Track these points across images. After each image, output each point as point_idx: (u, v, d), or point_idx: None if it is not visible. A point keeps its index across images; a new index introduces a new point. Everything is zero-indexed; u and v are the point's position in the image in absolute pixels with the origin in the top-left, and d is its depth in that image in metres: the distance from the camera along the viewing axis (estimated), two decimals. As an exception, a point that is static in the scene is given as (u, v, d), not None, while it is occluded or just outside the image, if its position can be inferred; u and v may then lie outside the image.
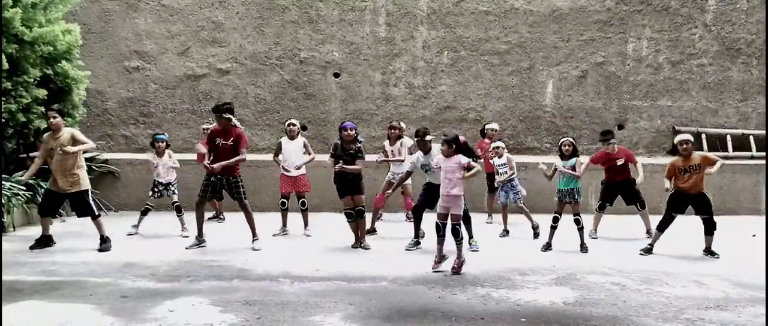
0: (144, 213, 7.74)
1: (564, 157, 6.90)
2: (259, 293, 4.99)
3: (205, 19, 10.66)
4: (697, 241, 6.77)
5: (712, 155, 6.68)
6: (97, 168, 9.58)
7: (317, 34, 10.74)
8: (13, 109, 7.96)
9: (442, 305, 4.70)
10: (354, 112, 10.77)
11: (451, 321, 4.32)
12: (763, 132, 10.65)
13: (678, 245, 6.93)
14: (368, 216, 7.87)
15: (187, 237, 7.38)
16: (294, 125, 7.80)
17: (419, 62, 10.83)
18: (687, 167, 6.54)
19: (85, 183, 6.68)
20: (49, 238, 6.75)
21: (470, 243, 6.75)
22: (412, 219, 7.84)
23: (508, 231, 7.84)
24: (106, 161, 9.85)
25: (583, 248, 6.78)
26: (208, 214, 8.90)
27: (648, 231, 7.68)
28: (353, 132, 6.75)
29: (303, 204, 7.72)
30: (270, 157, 8.03)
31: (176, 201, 7.81)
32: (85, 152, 6.86)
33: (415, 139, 6.97)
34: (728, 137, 10.72)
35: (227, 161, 6.58)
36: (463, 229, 5.87)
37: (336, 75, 10.82)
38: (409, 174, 7.04)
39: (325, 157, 7.28)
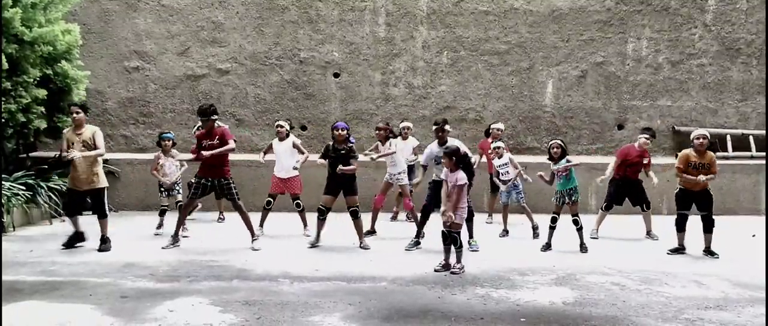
0: (161, 213, 7.79)
1: (553, 159, 6.86)
2: (259, 293, 4.99)
3: (204, 19, 10.66)
4: (697, 241, 6.77)
5: (716, 166, 6.63)
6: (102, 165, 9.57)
7: (317, 34, 10.74)
8: (13, 109, 7.96)
9: (441, 305, 4.70)
10: (354, 112, 10.77)
11: (451, 321, 4.32)
12: (763, 132, 10.66)
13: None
14: (368, 217, 7.91)
15: (188, 237, 7.39)
16: (281, 126, 7.75)
17: (419, 62, 10.84)
18: (699, 164, 6.55)
19: (103, 181, 6.75)
20: (81, 235, 6.80)
21: (470, 243, 6.75)
22: (413, 219, 7.87)
23: (507, 231, 7.84)
24: (106, 161, 9.83)
25: (583, 248, 6.79)
26: (211, 215, 8.94)
27: (648, 232, 7.70)
28: (345, 132, 6.77)
29: (298, 205, 7.71)
30: (269, 157, 8.02)
31: (180, 201, 7.81)
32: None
33: (434, 128, 7.03)
34: (728, 137, 10.72)
35: (215, 150, 6.55)
36: (463, 237, 5.92)
37: (336, 75, 10.82)
38: (425, 168, 7.03)
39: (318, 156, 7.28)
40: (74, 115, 6.55)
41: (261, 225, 7.68)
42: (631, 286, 5.32)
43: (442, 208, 5.86)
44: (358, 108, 10.80)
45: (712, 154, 6.66)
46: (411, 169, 8.67)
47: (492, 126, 8.73)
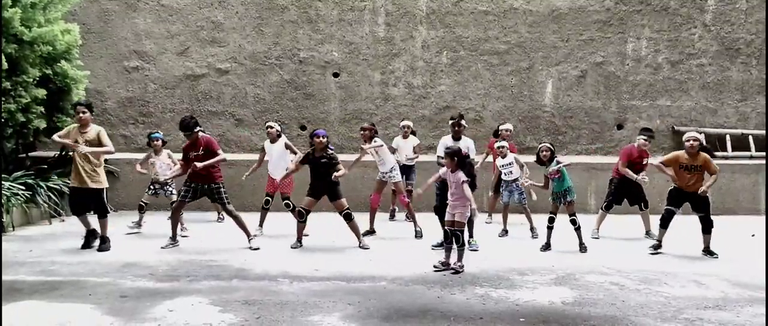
0: (140, 209, 7.80)
1: (542, 162, 6.84)
2: (258, 293, 4.99)
3: (204, 18, 10.66)
4: (696, 241, 6.77)
5: (714, 164, 6.58)
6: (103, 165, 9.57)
7: (316, 33, 10.74)
8: (13, 108, 7.96)
9: (440, 305, 4.70)
10: (353, 112, 10.78)
11: (450, 320, 4.32)
12: (763, 132, 10.66)
13: (677, 245, 6.93)
14: (367, 217, 7.92)
15: (187, 236, 7.40)
16: (271, 127, 7.74)
17: (418, 62, 10.84)
18: (691, 165, 6.54)
19: (104, 181, 6.75)
20: (94, 232, 6.80)
21: (470, 243, 6.75)
22: (410, 217, 7.87)
23: (507, 231, 7.85)
24: (105, 161, 9.83)
25: (582, 248, 6.78)
26: (211, 215, 8.94)
27: (647, 232, 7.69)
28: (324, 139, 6.77)
29: (287, 205, 7.70)
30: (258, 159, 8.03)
31: (174, 202, 7.79)
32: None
33: (450, 122, 7.11)
34: (727, 137, 10.73)
35: (207, 162, 6.58)
36: (465, 236, 5.93)
37: (335, 75, 10.82)
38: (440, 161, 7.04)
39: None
40: (81, 114, 6.53)
41: (260, 225, 7.69)
42: (630, 286, 5.32)
43: (448, 211, 5.89)
44: (357, 108, 10.81)
45: (705, 155, 6.59)
46: (410, 169, 8.67)
47: (501, 127, 8.69)
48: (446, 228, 5.93)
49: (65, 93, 8.80)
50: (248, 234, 6.89)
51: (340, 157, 7.06)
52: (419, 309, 4.58)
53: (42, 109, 8.46)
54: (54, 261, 6.08)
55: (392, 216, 9.09)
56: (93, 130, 6.59)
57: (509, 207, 7.95)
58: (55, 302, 4.69)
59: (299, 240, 6.92)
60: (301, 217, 6.85)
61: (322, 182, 6.76)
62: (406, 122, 8.88)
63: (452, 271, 5.71)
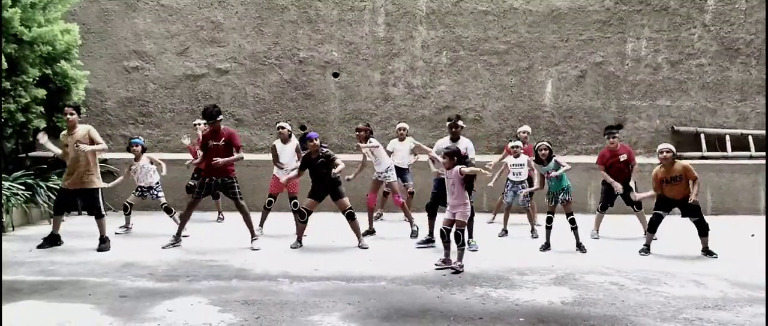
0: (124, 209, 7.80)
1: (540, 161, 6.84)
2: (258, 293, 4.99)
3: (204, 18, 10.66)
4: (696, 241, 6.77)
5: (692, 170, 6.51)
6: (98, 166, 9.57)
7: (316, 33, 10.74)
8: (13, 108, 7.96)
9: (440, 305, 4.70)
10: (353, 112, 10.78)
11: (450, 320, 4.32)
12: (762, 132, 10.67)
13: (676, 245, 6.94)
14: (366, 217, 7.92)
15: (187, 236, 7.38)
16: (283, 128, 7.74)
17: (418, 62, 10.84)
18: (668, 178, 6.52)
19: (98, 181, 6.75)
20: (57, 237, 6.78)
21: (469, 243, 6.75)
22: (406, 216, 7.88)
23: (507, 231, 7.85)
24: (105, 161, 9.83)
25: (580, 248, 6.78)
26: (211, 215, 8.94)
27: (645, 233, 7.68)
28: (317, 141, 6.78)
29: (295, 205, 7.71)
30: (268, 156, 8.03)
31: (164, 203, 7.78)
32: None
33: (447, 123, 7.14)
34: (727, 137, 10.73)
35: (225, 159, 6.59)
36: (465, 235, 5.94)
37: (335, 75, 10.82)
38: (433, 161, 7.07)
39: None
40: (68, 116, 6.55)
41: (261, 224, 7.69)
42: (629, 286, 5.32)
43: (447, 210, 5.91)
44: (357, 108, 10.81)
45: (682, 163, 6.58)
46: (405, 171, 8.66)
47: (519, 129, 8.76)
48: (444, 227, 5.92)
49: (65, 93, 8.81)
50: (253, 234, 6.89)
51: (341, 157, 7.07)
52: (419, 309, 4.58)
53: (42, 109, 8.46)
54: (53, 261, 6.08)
55: (376, 219, 9.02)
56: (81, 129, 6.59)
57: (511, 208, 7.96)
58: (54, 302, 4.69)
59: (299, 240, 6.92)
60: (303, 218, 6.85)
61: (323, 183, 6.77)
62: (402, 124, 8.88)
63: (452, 271, 5.71)
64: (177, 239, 6.85)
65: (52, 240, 6.74)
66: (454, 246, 5.83)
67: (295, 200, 7.72)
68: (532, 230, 7.71)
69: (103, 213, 6.80)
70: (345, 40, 10.77)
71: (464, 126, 7.26)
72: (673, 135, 10.86)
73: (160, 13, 10.62)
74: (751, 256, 6.58)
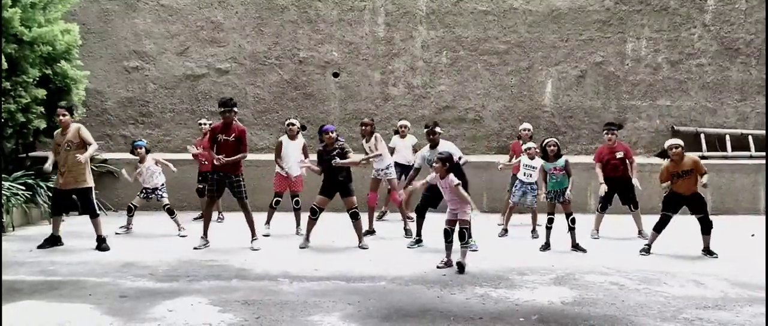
0: (129, 211, 7.79)
1: (549, 158, 6.85)
2: (258, 293, 4.99)
3: (204, 19, 10.66)
4: (696, 241, 6.77)
5: (702, 164, 6.58)
6: (96, 168, 9.56)
7: (316, 33, 10.74)
8: (13, 109, 7.96)
9: (440, 304, 4.70)
10: (353, 112, 10.78)
11: (450, 320, 4.33)
12: (762, 132, 10.66)
13: (676, 245, 6.93)
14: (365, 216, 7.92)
15: (185, 236, 7.39)
16: (294, 125, 7.76)
17: (418, 62, 10.84)
18: (679, 172, 6.54)
19: (90, 181, 6.75)
20: (57, 238, 6.79)
21: (469, 242, 6.75)
22: (402, 215, 7.89)
23: (507, 231, 7.86)
24: (105, 161, 9.84)
25: (579, 248, 6.77)
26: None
27: (640, 232, 7.69)
28: (334, 134, 6.80)
29: (297, 203, 7.72)
30: (269, 156, 8.03)
31: (167, 204, 7.79)
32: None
33: (425, 131, 7.12)
34: (727, 137, 10.73)
35: (233, 157, 6.62)
36: (469, 233, 5.96)
37: (335, 75, 10.82)
38: (417, 170, 7.07)
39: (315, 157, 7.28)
40: (61, 117, 6.57)
41: (267, 223, 7.70)
42: (629, 286, 5.32)
43: (448, 210, 5.92)
44: (357, 108, 10.81)
45: (692, 156, 6.63)
46: (408, 169, 8.67)
47: (520, 127, 8.73)
48: (447, 226, 5.93)
49: (65, 93, 8.80)
50: (254, 234, 6.88)
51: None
52: (419, 309, 4.58)
53: (42, 109, 8.46)
54: (53, 261, 6.08)
55: (381, 217, 9.04)
56: (72, 129, 6.60)
57: (516, 208, 7.97)
58: (54, 302, 4.69)
59: (307, 238, 6.91)
60: (314, 215, 6.84)
61: (335, 179, 6.75)
62: (403, 122, 8.89)
63: (458, 267, 5.70)
64: (206, 239, 6.82)
65: (53, 241, 6.75)
66: (456, 244, 5.84)
67: (297, 198, 7.73)
68: (533, 230, 7.72)
69: (98, 212, 6.80)
70: (345, 40, 10.77)
71: (442, 132, 7.26)
72: (673, 135, 10.82)
73: (160, 13, 10.62)
74: (751, 256, 6.58)
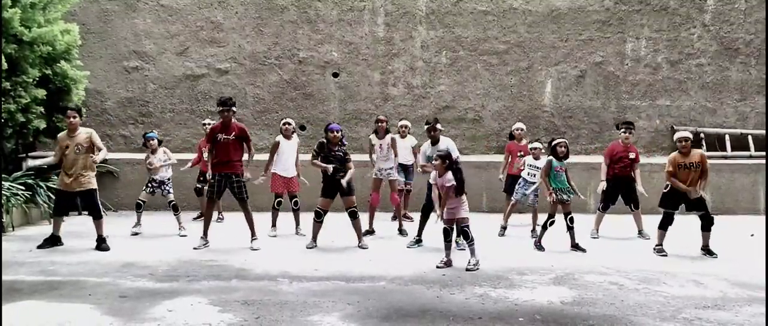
0: (138, 207, 7.80)
1: (559, 157, 6.88)
2: (258, 293, 4.99)
3: (204, 19, 10.67)
4: (696, 241, 6.77)
5: (707, 162, 6.61)
6: (96, 168, 9.57)
7: (316, 34, 10.74)
8: (12, 109, 7.96)
9: (440, 304, 4.71)
10: (353, 112, 10.78)
11: (449, 320, 4.33)
12: (762, 131, 10.67)
13: (676, 245, 6.93)
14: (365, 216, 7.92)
15: (185, 236, 7.39)
16: (289, 124, 7.77)
17: (418, 62, 10.84)
18: (686, 164, 6.57)
19: (94, 182, 6.77)
20: (57, 238, 6.79)
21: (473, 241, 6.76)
22: (396, 215, 7.89)
23: (505, 228, 7.87)
24: (105, 161, 9.83)
25: (579, 248, 6.77)
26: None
27: (640, 232, 7.71)
28: (339, 134, 6.79)
29: (296, 204, 7.72)
30: (268, 157, 8.00)
31: (172, 200, 7.82)
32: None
33: (426, 128, 7.12)
34: (727, 137, 10.73)
35: (239, 161, 6.67)
36: (471, 231, 5.96)
37: (335, 75, 10.83)
38: (429, 158, 7.06)
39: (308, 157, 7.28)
40: (71, 119, 6.57)
41: (273, 225, 7.71)
42: (629, 286, 5.32)
43: (446, 209, 5.93)
44: (357, 108, 10.81)
45: (699, 151, 6.68)
46: (409, 169, 8.69)
47: (514, 126, 8.75)
48: (446, 226, 5.95)
49: (65, 93, 8.81)
50: (254, 234, 6.88)
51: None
52: (418, 309, 4.58)
53: (42, 109, 8.46)
54: (53, 261, 6.09)
55: (395, 217, 9.04)
56: (83, 132, 6.63)
57: (516, 206, 7.98)
58: (54, 302, 4.70)
59: (314, 239, 6.91)
60: (319, 218, 6.84)
61: (335, 180, 6.75)
62: (403, 122, 8.90)
63: (467, 268, 5.71)
64: (206, 239, 6.82)
65: (53, 241, 6.76)
66: (454, 244, 5.86)
67: (296, 199, 7.73)
68: (533, 230, 7.73)
69: (102, 213, 6.81)
70: (345, 40, 10.77)
71: (443, 129, 7.29)
72: (672, 135, 10.85)
73: (160, 14, 10.63)
74: (751, 256, 6.58)
